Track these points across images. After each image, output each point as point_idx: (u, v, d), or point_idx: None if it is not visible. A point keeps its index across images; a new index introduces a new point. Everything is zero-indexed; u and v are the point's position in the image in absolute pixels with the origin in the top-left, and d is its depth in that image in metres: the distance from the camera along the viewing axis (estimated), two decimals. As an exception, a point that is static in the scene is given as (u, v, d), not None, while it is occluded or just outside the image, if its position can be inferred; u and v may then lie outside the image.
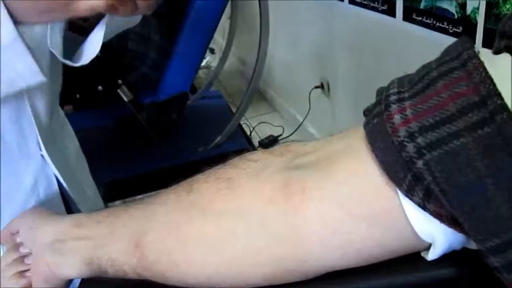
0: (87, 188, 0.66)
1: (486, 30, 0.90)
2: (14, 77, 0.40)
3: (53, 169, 0.54)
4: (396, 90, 0.27)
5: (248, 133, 2.05)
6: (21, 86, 0.42)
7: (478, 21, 0.92)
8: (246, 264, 0.29)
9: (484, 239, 0.22)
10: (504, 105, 0.21)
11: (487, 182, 0.21)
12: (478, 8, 0.92)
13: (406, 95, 0.26)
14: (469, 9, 0.95)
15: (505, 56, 0.25)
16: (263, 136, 2.11)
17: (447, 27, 1.02)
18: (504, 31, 0.26)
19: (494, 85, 0.22)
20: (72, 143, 0.66)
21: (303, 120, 1.98)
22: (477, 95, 0.22)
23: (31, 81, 0.42)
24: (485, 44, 0.91)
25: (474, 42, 0.94)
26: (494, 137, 0.21)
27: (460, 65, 0.24)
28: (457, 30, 0.99)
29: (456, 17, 0.98)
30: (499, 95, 0.21)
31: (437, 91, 0.24)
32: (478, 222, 0.22)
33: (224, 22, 1.71)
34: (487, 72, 0.22)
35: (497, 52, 0.26)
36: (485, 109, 0.21)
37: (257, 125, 2.20)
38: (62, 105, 0.64)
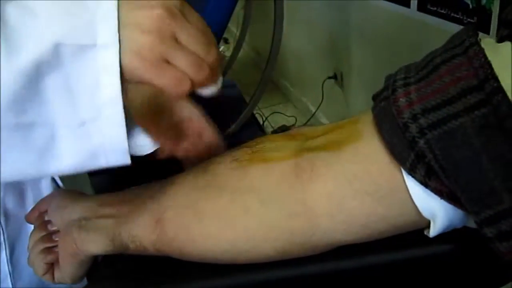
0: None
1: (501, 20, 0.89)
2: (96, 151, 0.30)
3: None
4: (403, 75, 0.29)
5: (261, 123, 2.06)
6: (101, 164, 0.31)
7: (493, 11, 0.92)
8: (259, 239, 0.31)
9: (479, 211, 0.24)
10: (499, 88, 0.23)
11: (482, 158, 0.23)
12: (493, -2, 0.92)
13: (412, 80, 0.27)
14: (484, -1, 0.95)
15: (507, 44, 0.27)
16: (275, 126, 2.12)
17: (461, 17, 1.01)
18: (507, 20, 0.27)
19: (492, 69, 0.23)
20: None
21: (316, 111, 1.99)
22: (476, 79, 0.24)
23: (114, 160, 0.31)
24: (499, 35, 0.90)
25: (489, 32, 0.94)
26: (490, 117, 0.23)
27: (462, 51, 0.25)
28: (472, 20, 0.99)
29: (470, 7, 0.98)
30: (496, 78, 0.23)
31: (440, 75, 0.25)
32: (473, 195, 0.24)
33: (238, 11, 1.72)
34: (486, 58, 0.24)
35: (500, 40, 0.28)
36: (482, 91, 0.23)
37: (270, 115, 2.21)
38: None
